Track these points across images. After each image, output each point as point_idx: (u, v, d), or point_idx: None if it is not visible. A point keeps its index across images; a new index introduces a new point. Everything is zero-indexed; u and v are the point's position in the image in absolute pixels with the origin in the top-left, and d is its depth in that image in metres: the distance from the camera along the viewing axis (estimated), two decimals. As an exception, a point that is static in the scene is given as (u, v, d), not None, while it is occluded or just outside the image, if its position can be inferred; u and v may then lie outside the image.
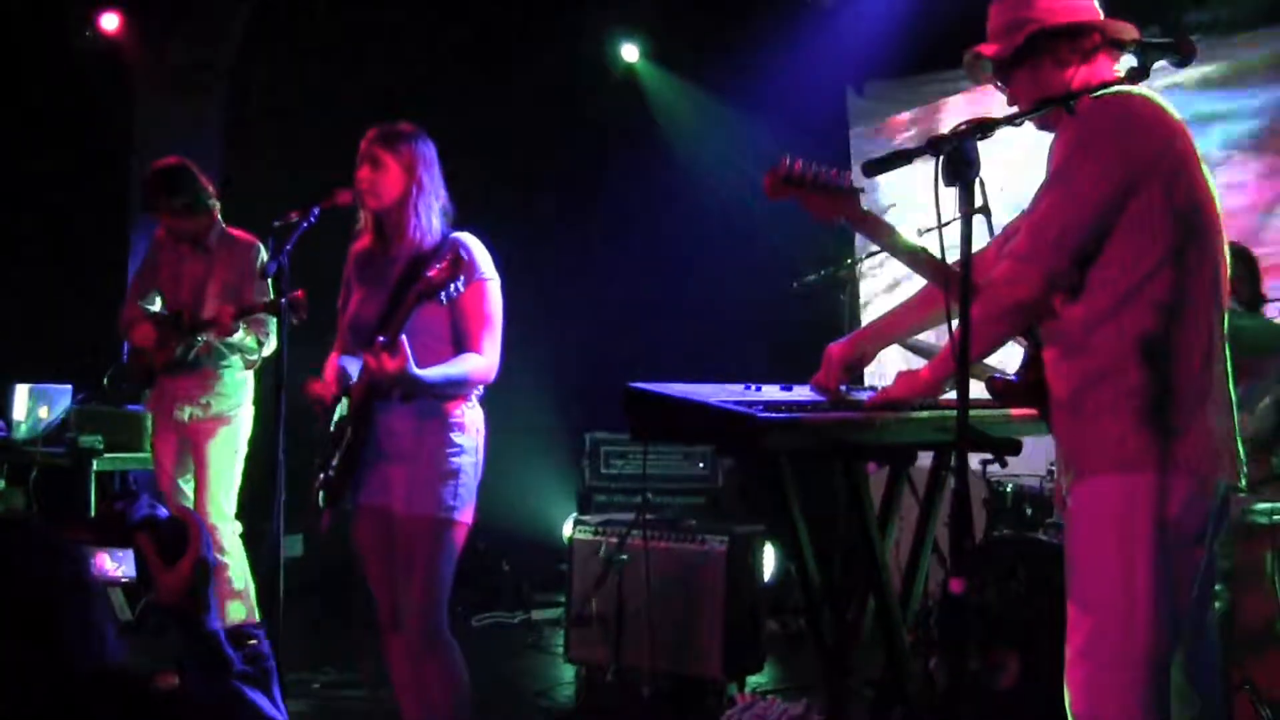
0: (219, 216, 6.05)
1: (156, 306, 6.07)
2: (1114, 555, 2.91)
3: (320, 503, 4.12)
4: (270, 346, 5.89)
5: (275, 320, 5.65)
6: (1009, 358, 3.47)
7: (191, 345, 5.83)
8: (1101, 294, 2.94)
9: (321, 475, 4.14)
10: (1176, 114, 3.03)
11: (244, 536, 6.03)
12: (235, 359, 5.94)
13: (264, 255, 5.96)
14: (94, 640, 1.75)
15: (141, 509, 2.09)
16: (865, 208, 3.47)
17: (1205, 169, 3.02)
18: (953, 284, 2.77)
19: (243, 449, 6.06)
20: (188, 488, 6.00)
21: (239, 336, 5.73)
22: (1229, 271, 3.08)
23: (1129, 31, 3.09)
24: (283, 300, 4.47)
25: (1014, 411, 3.53)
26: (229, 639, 2.06)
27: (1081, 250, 2.93)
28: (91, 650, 1.74)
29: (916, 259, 3.50)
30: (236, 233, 6.02)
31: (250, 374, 6.07)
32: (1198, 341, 2.93)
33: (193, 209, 5.93)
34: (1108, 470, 2.94)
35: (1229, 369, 3.02)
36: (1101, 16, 3.14)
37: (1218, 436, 2.94)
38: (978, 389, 2.98)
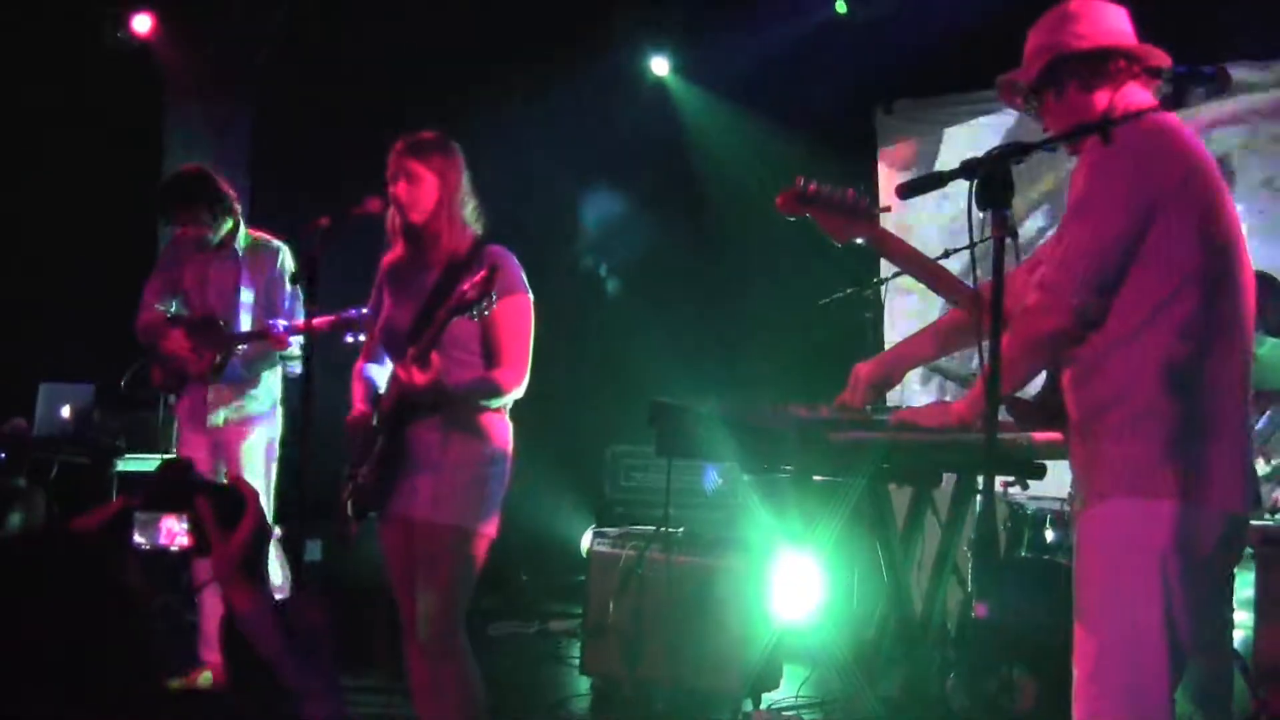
0: (240, 219, 5.94)
1: (172, 310, 5.98)
2: (1118, 580, 2.91)
3: (350, 511, 4.13)
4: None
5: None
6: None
7: (232, 353, 5.77)
8: (1117, 319, 2.93)
9: (351, 484, 4.15)
10: (1201, 145, 3.03)
11: (282, 541, 6.00)
12: (266, 362, 5.89)
13: (289, 258, 5.91)
14: (139, 658, 1.71)
15: (197, 474, 2.08)
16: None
17: (1229, 201, 3.01)
18: (983, 308, 2.76)
19: (275, 450, 6.01)
20: None
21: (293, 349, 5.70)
22: (1254, 300, 3.07)
23: (1158, 58, 3.08)
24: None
25: (1035, 436, 3.52)
26: (284, 609, 2.03)
27: (1107, 282, 2.92)
28: (136, 668, 1.70)
29: (938, 280, 3.49)
30: (262, 235, 5.93)
31: (279, 376, 6.01)
32: (1211, 369, 2.91)
33: (212, 217, 5.81)
34: (1115, 495, 2.93)
35: (1246, 398, 3.00)
36: (1132, 42, 3.13)
37: (1228, 465, 2.92)
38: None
